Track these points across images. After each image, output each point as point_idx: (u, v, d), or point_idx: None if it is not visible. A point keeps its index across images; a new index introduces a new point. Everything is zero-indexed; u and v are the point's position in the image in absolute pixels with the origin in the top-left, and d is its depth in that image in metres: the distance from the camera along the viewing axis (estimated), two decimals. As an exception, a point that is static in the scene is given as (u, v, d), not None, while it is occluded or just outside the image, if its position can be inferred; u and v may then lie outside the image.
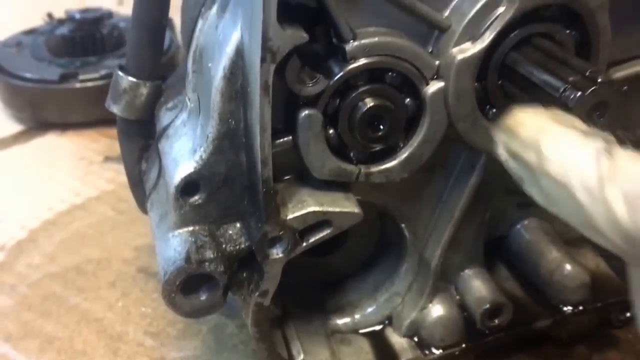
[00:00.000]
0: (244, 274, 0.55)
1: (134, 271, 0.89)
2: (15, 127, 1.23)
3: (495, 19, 0.51)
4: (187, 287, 0.53)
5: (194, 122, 0.56)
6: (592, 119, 0.46)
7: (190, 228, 0.55)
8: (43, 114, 1.22)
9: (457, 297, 0.66)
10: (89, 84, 1.20)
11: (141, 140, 0.67)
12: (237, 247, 0.55)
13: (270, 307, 0.56)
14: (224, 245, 0.54)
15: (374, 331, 0.66)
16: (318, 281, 0.68)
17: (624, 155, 0.40)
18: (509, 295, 0.67)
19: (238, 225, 0.55)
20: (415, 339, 0.65)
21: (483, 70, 0.53)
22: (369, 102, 0.52)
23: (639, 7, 0.56)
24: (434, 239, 0.62)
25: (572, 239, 0.71)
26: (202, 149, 0.53)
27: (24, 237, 0.97)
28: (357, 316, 0.67)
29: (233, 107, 0.51)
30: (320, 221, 0.53)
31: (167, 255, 0.53)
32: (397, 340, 0.64)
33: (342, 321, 0.66)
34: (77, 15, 1.30)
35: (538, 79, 0.49)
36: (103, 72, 1.21)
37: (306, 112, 0.50)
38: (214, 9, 0.54)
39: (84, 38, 1.28)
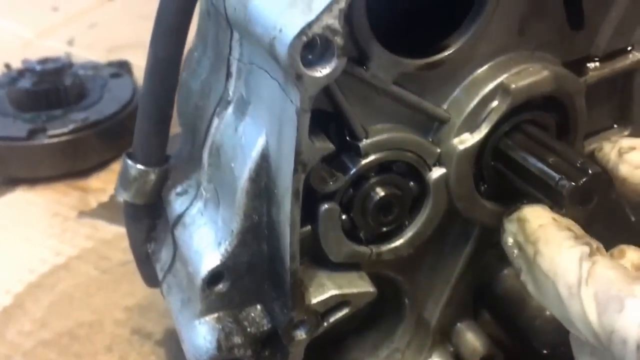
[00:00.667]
0: (267, 353, 0.59)
1: (128, 333, 0.91)
2: (-20, 184, 1.23)
3: (491, 112, 0.56)
4: (218, 372, 0.57)
5: (213, 212, 0.59)
6: (581, 205, 0.52)
7: (216, 315, 0.58)
8: (10, 170, 1.22)
9: (451, 349, 0.71)
10: (58, 138, 1.21)
11: (148, 221, 0.69)
12: (260, 329, 0.58)
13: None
14: (248, 329, 0.58)
15: (378, 385, 0.70)
16: (320, 341, 0.72)
17: (604, 262, 0.47)
18: (496, 340, 0.73)
19: (259, 307, 0.59)
20: (418, 391, 0.70)
21: (479, 156, 0.58)
22: (380, 192, 0.56)
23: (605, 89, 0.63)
24: (433, 301, 0.67)
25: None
26: (227, 242, 0.56)
27: (10, 303, 0.97)
28: (359, 371, 0.71)
29: (257, 204, 0.55)
30: (340, 302, 0.57)
31: (197, 343, 0.57)
32: (400, 394, 0.69)
33: (348, 377, 0.70)
34: (37, 67, 1.29)
35: (534, 167, 0.54)
36: (71, 126, 1.22)
37: (326, 206, 0.55)
38: (230, 109, 0.58)
39: (48, 91, 1.28)
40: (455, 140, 0.57)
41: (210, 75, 0.65)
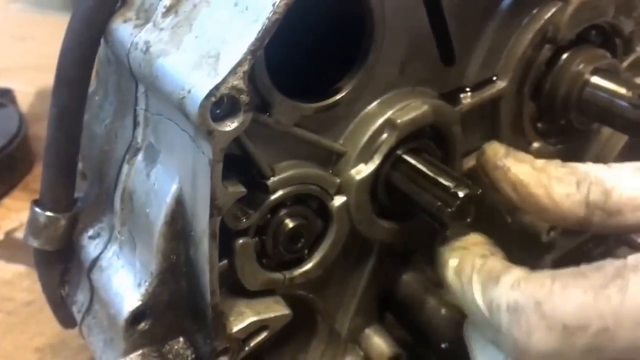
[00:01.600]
0: (192, 382, 0.63)
1: (43, 376, 0.91)
2: None
3: (381, 144, 0.63)
4: (146, 407, 0.60)
5: (129, 255, 0.62)
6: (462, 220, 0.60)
7: (140, 352, 0.61)
8: None
9: (361, 353, 0.77)
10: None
11: (61, 266, 0.71)
12: (185, 360, 0.62)
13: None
14: (173, 362, 0.61)
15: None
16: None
17: (491, 259, 0.56)
18: (401, 342, 0.80)
19: (181, 340, 0.63)
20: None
21: (375, 182, 0.64)
22: (289, 224, 0.61)
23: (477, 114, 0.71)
24: (342, 313, 0.73)
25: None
26: (146, 282, 0.59)
27: None
28: (279, 386, 0.76)
29: (174, 245, 0.58)
30: (259, 327, 0.62)
31: (125, 381, 0.59)
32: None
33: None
34: None
35: (417, 196, 0.62)
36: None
37: (241, 241, 0.59)
38: (140, 156, 0.61)
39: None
40: (353, 171, 0.63)
41: (115, 121, 0.67)
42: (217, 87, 0.48)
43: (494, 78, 0.70)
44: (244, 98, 0.49)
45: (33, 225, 0.68)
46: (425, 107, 0.63)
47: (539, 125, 0.76)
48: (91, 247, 0.66)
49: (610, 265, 0.50)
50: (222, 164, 0.52)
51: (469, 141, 0.71)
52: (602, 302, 0.49)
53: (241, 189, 0.55)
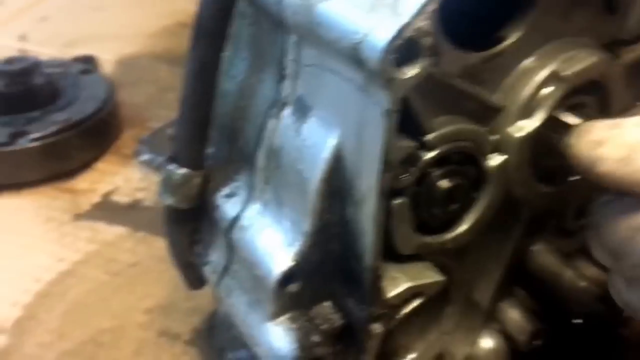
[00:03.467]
0: (339, 348, 0.60)
1: (155, 336, 0.90)
2: (-37, 193, 1.18)
3: (545, 99, 0.58)
4: (299, 371, 0.58)
5: (275, 213, 0.60)
6: None
7: (288, 315, 0.59)
8: (-6, 176, 1.18)
9: (497, 327, 0.73)
10: (41, 141, 1.18)
11: (191, 224, 0.69)
12: (332, 325, 0.59)
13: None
14: (321, 326, 0.59)
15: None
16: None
17: None
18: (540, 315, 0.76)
19: (328, 304, 0.60)
20: (471, 371, 0.72)
21: (536, 142, 0.60)
22: (445, 183, 0.58)
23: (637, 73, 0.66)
24: (485, 283, 0.69)
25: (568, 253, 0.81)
26: (298, 243, 0.57)
27: (22, 315, 0.94)
28: (410, 356, 0.73)
29: (330, 204, 0.55)
30: (413, 293, 0.58)
31: (276, 345, 0.57)
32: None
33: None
34: (5, 68, 1.25)
35: None
36: (53, 127, 1.19)
37: (398, 201, 0.56)
38: (287, 111, 0.58)
39: (21, 93, 1.24)
40: (512, 128, 0.59)
41: (251, 76, 0.64)
42: (402, 29, 0.44)
43: (657, 32, 0.65)
44: (428, 41, 0.46)
45: (168, 183, 0.66)
46: (593, 59, 0.59)
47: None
48: (228, 206, 0.64)
49: None
50: (397, 116, 0.48)
51: (626, 99, 0.66)
52: None
53: (412, 144, 0.51)
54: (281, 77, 0.59)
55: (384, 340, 0.70)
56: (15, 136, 1.18)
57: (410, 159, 0.55)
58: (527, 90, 0.59)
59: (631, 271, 0.52)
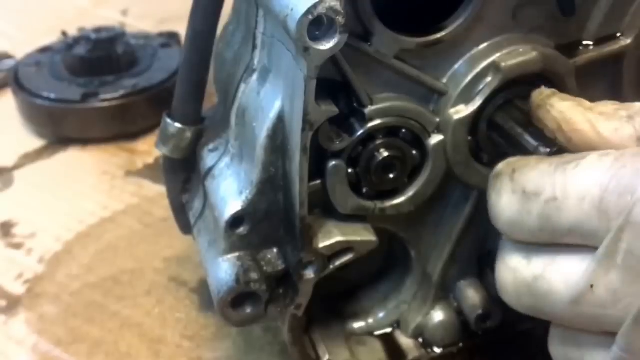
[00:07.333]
0: (281, 291, 0.68)
1: (166, 280, 1.00)
2: (36, 142, 1.33)
3: (484, 86, 0.64)
4: (236, 303, 0.66)
5: (237, 166, 0.68)
6: None
7: (237, 254, 0.67)
8: (64, 130, 1.32)
9: (455, 304, 0.78)
10: (109, 102, 1.31)
11: (184, 174, 0.79)
12: (275, 268, 0.67)
13: (303, 317, 0.68)
14: (264, 268, 0.67)
15: (385, 333, 0.78)
16: (336, 292, 0.81)
17: None
18: (498, 300, 0.80)
19: (275, 250, 0.68)
20: (420, 339, 0.78)
21: (475, 126, 0.65)
22: (383, 153, 0.64)
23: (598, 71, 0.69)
24: (435, 257, 0.74)
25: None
26: (247, 191, 0.65)
27: (61, 249, 1.07)
28: (370, 321, 0.79)
29: (274, 158, 0.63)
30: (344, 248, 0.65)
31: (219, 277, 0.66)
32: (405, 341, 0.77)
33: (357, 325, 0.79)
34: (93, 36, 1.39)
35: (518, 135, 0.62)
36: (122, 91, 1.32)
37: (333, 162, 0.63)
38: (254, 76, 0.66)
39: (101, 58, 1.37)
40: (452, 111, 0.65)
41: (241, 47, 0.73)
42: (314, 6, 0.52)
43: (618, 35, 0.68)
44: (340, 20, 0.53)
45: (163, 134, 0.76)
46: (533, 54, 0.63)
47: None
48: (209, 159, 0.73)
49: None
50: (315, 81, 0.55)
51: (589, 97, 0.70)
52: (558, 173, 0.52)
53: (333, 108, 0.59)
54: (254, 47, 0.68)
55: (348, 302, 0.77)
56: (87, 96, 1.31)
57: (347, 127, 0.62)
58: (468, 77, 0.64)
59: None
